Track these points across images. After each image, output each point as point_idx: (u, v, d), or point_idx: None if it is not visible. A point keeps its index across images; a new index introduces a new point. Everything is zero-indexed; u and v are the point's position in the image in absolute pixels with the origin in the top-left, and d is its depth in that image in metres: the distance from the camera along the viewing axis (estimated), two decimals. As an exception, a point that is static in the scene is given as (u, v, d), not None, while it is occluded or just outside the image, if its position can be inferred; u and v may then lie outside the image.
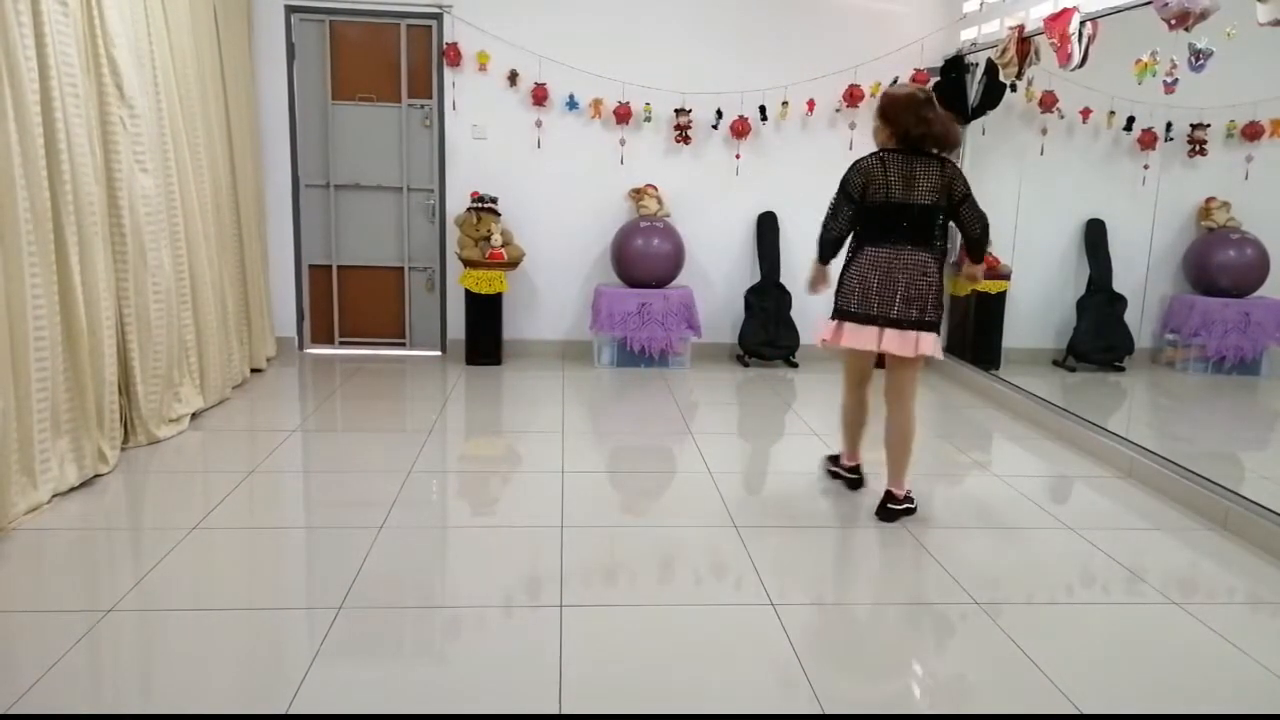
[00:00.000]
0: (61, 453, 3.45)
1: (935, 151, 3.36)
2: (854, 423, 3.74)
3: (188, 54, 4.58)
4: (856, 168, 3.39)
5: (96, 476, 3.63)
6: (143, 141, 3.99)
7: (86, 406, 3.57)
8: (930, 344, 3.33)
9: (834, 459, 3.92)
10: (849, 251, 3.49)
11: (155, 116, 4.20)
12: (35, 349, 3.26)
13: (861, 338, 3.37)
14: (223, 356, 4.91)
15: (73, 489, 3.48)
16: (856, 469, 3.80)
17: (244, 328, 5.39)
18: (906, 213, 3.32)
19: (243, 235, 5.38)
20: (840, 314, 3.43)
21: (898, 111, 3.36)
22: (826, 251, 3.55)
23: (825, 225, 3.50)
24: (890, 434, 3.52)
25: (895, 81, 6.05)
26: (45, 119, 3.34)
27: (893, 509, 3.45)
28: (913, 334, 3.32)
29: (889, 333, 3.33)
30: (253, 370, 5.49)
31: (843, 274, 3.47)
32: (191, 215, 4.53)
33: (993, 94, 5.49)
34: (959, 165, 3.44)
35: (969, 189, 3.41)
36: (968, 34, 5.85)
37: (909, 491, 3.49)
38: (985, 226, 3.47)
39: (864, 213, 3.38)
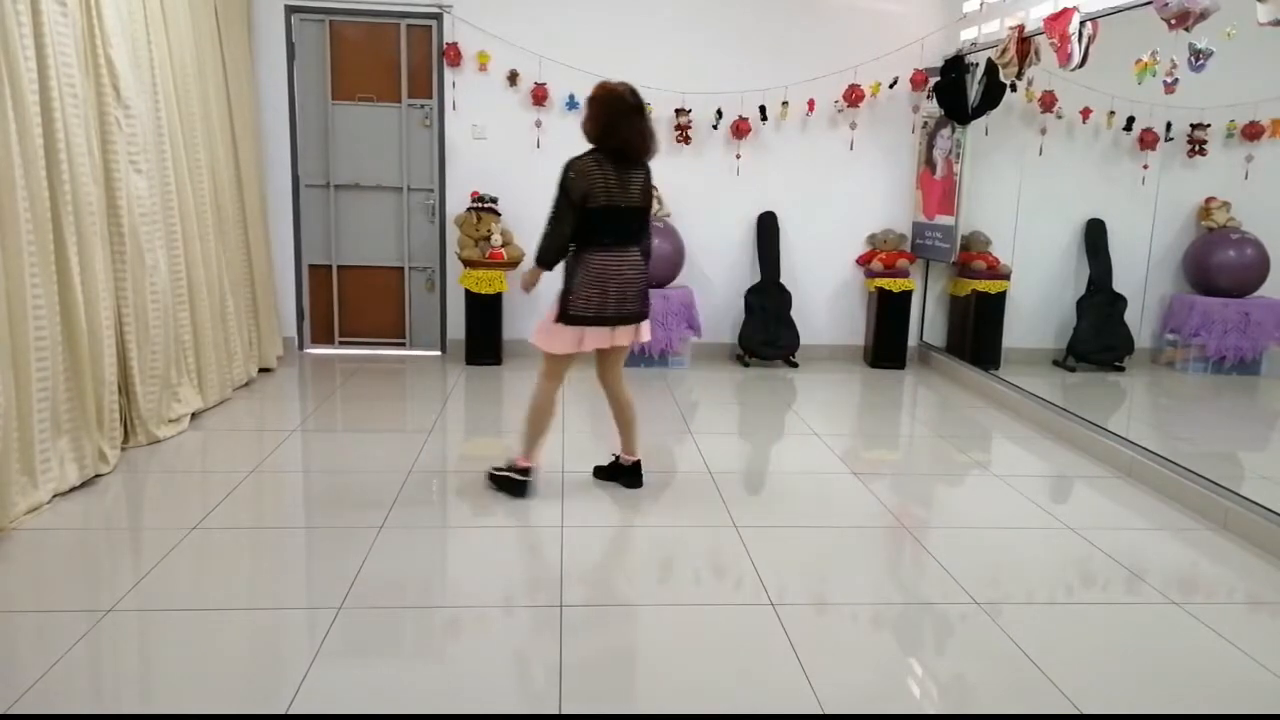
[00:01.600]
0: (62, 453, 3.45)
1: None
2: (548, 425, 3.64)
3: (187, 54, 4.58)
4: (576, 170, 3.33)
5: (97, 476, 3.63)
6: (137, 142, 3.99)
7: (86, 406, 3.57)
8: (648, 330, 3.58)
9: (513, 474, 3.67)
10: (573, 256, 3.44)
11: (154, 117, 4.20)
12: (36, 349, 3.26)
13: (601, 339, 3.46)
14: (223, 357, 4.91)
15: (73, 489, 3.48)
16: (530, 471, 3.64)
17: (250, 328, 5.39)
18: (626, 215, 3.40)
19: (248, 236, 5.38)
20: (579, 319, 3.38)
21: (617, 119, 3.34)
22: (553, 257, 3.46)
23: (552, 231, 3.39)
24: (624, 410, 3.68)
25: (895, 82, 6.06)
26: (44, 120, 3.34)
27: (643, 476, 3.72)
28: (634, 326, 3.51)
29: (620, 329, 3.47)
30: (262, 370, 5.50)
31: (573, 280, 3.39)
32: (189, 215, 4.53)
33: (993, 94, 5.49)
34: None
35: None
36: (968, 34, 5.86)
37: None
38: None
39: (586, 216, 3.35)
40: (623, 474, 3.75)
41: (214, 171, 4.90)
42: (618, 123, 3.33)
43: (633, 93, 3.36)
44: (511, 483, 3.61)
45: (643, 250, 3.51)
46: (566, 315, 3.39)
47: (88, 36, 3.68)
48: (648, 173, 3.47)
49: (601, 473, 3.82)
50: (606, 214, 3.34)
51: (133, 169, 3.97)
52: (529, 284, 3.57)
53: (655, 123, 5.88)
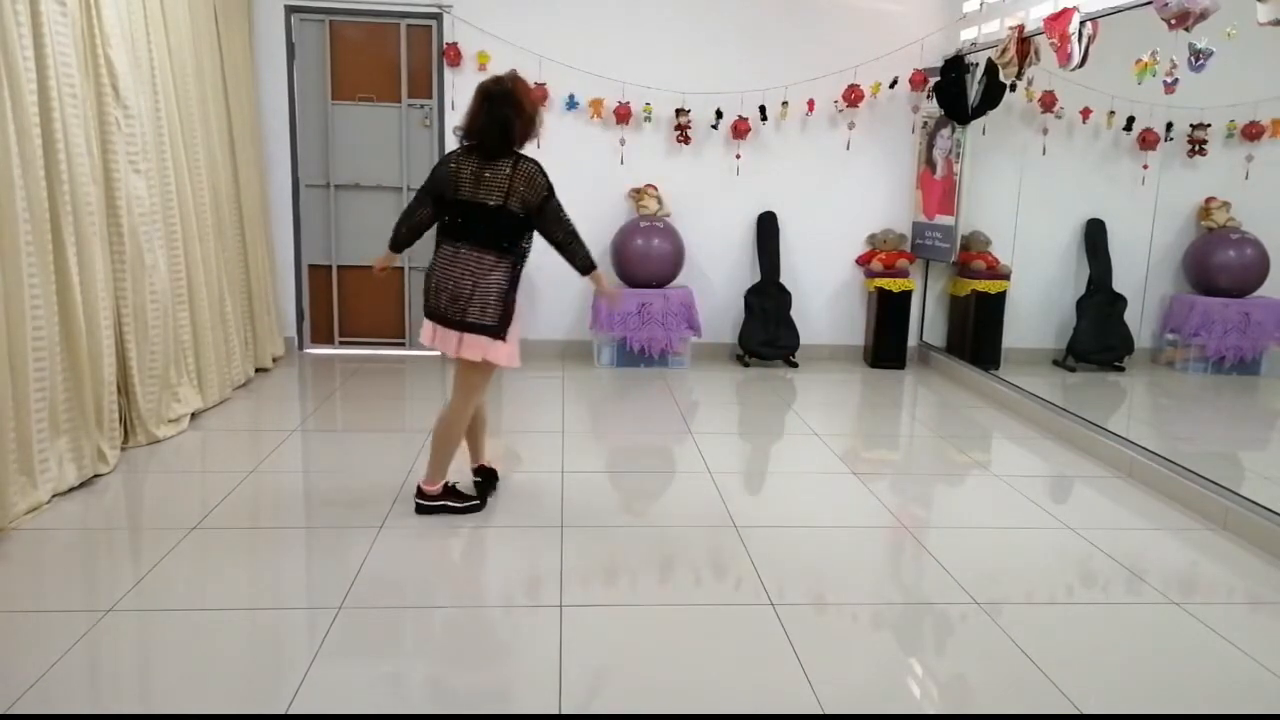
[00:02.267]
0: (60, 453, 3.45)
1: (512, 149, 3.17)
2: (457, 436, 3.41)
3: (186, 54, 4.58)
4: (438, 162, 3.28)
5: (96, 476, 3.63)
6: (137, 142, 3.99)
7: (85, 406, 3.57)
8: (480, 349, 3.17)
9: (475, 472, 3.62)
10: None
11: (153, 117, 4.20)
12: (34, 349, 3.26)
13: (426, 334, 3.27)
14: (222, 357, 4.91)
15: (73, 489, 3.48)
16: (479, 470, 3.61)
17: (248, 328, 5.39)
18: (476, 211, 3.14)
19: (245, 236, 5.38)
20: (426, 312, 3.27)
21: (472, 105, 3.15)
22: (392, 237, 3.40)
23: (405, 210, 3.36)
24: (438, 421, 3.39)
25: (894, 82, 6.06)
26: (43, 120, 3.34)
27: (419, 503, 3.38)
28: (455, 334, 3.18)
29: (441, 331, 3.21)
30: (258, 370, 5.50)
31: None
32: (188, 215, 4.53)
33: (993, 94, 5.49)
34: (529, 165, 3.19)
35: (546, 195, 3.18)
36: (968, 34, 5.85)
37: (445, 486, 3.40)
38: (570, 233, 3.27)
39: (437, 209, 3.24)
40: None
41: (212, 172, 4.90)
42: (472, 113, 3.15)
43: (496, 80, 3.15)
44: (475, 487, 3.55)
45: (507, 252, 3.17)
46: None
47: (87, 37, 3.68)
48: (513, 171, 3.12)
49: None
50: (453, 206, 3.17)
51: (132, 169, 3.97)
52: (376, 265, 3.50)
53: (655, 122, 5.98)
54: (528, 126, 3.18)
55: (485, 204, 3.13)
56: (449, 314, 3.17)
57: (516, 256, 3.22)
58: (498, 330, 3.17)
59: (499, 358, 3.21)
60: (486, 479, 3.63)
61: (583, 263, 3.33)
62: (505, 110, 3.10)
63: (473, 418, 3.44)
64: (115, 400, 3.81)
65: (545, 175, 3.21)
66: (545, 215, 3.20)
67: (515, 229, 3.18)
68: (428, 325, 3.27)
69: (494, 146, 3.13)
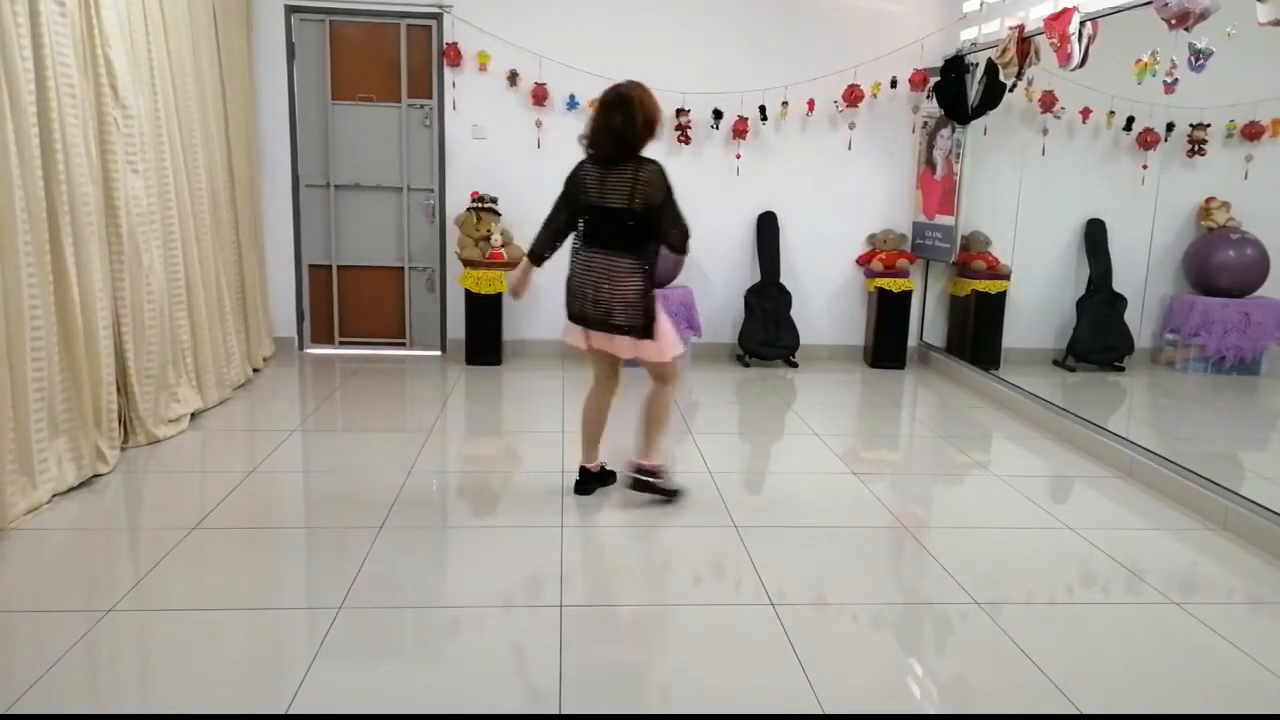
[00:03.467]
0: (59, 453, 3.45)
1: (633, 153, 3.26)
2: (589, 421, 3.61)
3: (185, 54, 4.58)
4: (570, 172, 3.40)
5: (96, 476, 3.63)
6: (135, 143, 3.98)
7: (83, 406, 3.57)
8: (631, 348, 3.32)
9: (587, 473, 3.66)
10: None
11: (152, 117, 4.20)
12: (32, 349, 3.26)
13: (581, 339, 3.43)
14: (221, 357, 4.91)
15: (73, 489, 3.48)
16: (582, 470, 3.64)
17: (242, 328, 5.38)
18: (606, 217, 3.28)
19: (239, 236, 5.38)
20: (569, 314, 3.43)
21: (593, 116, 3.34)
22: (534, 249, 3.46)
23: (544, 222, 3.46)
24: (644, 417, 3.55)
25: (895, 82, 6.05)
26: (42, 120, 3.34)
27: (638, 478, 3.53)
28: (613, 336, 3.33)
29: (597, 334, 3.37)
30: (252, 370, 5.49)
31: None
32: (186, 215, 4.53)
33: (993, 94, 5.49)
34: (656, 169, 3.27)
35: (666, 194, 3.26)
36: (968, 34, 5.85)
37: (659, 465, 3.55)
38: (683, 234, 3.34)
39: (572, 216, 3.38)
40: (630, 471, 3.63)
41: (211, 172, 4.90)
42: (594, 121, 3.32)
43: (614, 89, 3.28)
44: (577, 483, 3.64)
45: (638, 254, 3.28)
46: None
47: (87, 37, 3.68)
48: (636, 174, 3.23)
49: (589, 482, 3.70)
50: (586, 213, 3.33)
51: (130, 169, 3.96)
52: (513, 281, 3.55)
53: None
54: (646, 131, 3.26)
55: (612, 207, 3.26)
56: (595, 317, 3.33)
57: (648, 258, 3.31)
58: (644, 330, 3.29)
59: (649, 355, 3.34)
60: (602, 479, 3.69)
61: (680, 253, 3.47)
62: (622, 117, 3.21)
63: (598, 414, 3.59)
64: (114, 400, 3.81)
65: (665, 176, 3.28)
66: (663, 214, 3.27)
67: (642, 231, 3.27)
68: (575, 328, 3.42)
69: (614, 153, 3.26)
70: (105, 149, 3.82)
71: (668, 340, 3.37)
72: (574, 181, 3.37)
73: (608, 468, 3.70)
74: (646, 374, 3.52)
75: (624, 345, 3.35)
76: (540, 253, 3.45)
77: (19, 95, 3.16)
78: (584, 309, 3.35)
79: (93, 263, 3.63)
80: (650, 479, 3.53)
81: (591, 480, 3.64)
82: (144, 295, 4.06)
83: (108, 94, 3.80)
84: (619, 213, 3.26)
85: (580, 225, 3.37)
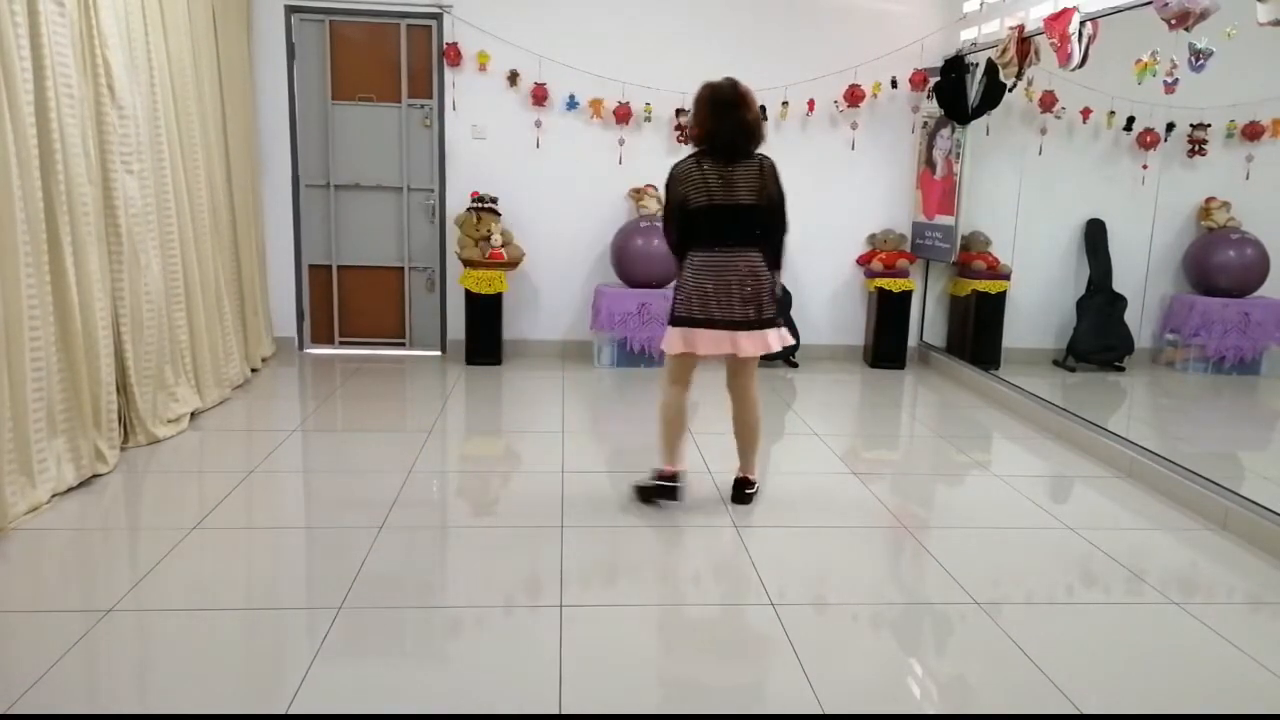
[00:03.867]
0: (58, 453, 3.44)
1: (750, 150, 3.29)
2: (679, 425, 3.55)
3: (185, 55, 4.58)
4: (674, 173, 3.34)
5: (96, 476, 3.63)
6: (130, 143, 3.97)
7: (82, 406, 3.57)
8: (771, 341, 3.35)
9: (661, 481, 3.52)
10: (679, 257, 3.43)
11: (150, 118, 4.20)
12: (31, 349, 3.25)
13: (706, 343, 3.33)
14: (220, 357, 4.91)
15: (73, 489, 3.48)
16: (677, 476, 3.52)
17: (240, 328, 5.38)
18: (731, 215, 3.26)
19: (238, 236, 5.38)
20: (680, 320, 3.35)
21: (706, 110, 3.27)
22: (677, 259, 3.46)
23: (664, 233, 3.47)
24: (744, 427, 3.57)
25: (895, 82, 6.06)
26: (40, 120, 3.33)
27: (749, 493, 3.57)
28: (759, 334, 3.33)
29: (732, 335, 3.30)
30: (250, 370, 5.48)
31: (682, 281, 3.38)
32: (184, 215, 4.53)
33: (993, 94, 5.49)
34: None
35: (782, 190, 3.35)
36: (968, 34, 5.86)
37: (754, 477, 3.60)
38: (786, 229, 3.42)
39: (687, 217, 3.31)
40: (734, 488, 3.63)
41: (209, 172, 4.89)
42: (709, 118, 3.26)
43: (726, 86, 3.27)
44: (661, 489, 3.49)
45: (765, 249, 3.34)
46: (673, 315, 3.38)
47: (86, 38, 3.68)
48: (761, 169, 3.29)
49: (664, 489, 3.56)
50: (708, 213, 3.26)
51: (124, 169, 3.95)
52: None
53: (655, 122, 5.98)
54: (761, 126, 3.34)
55: (742, 204, 3.26)
56: (745, 317, 3.28)
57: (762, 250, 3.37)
58: (776, 319, 3.36)
59: (773, 344, 3.36)
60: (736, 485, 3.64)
61: (775, 260, 3.44)
62: (746, 113, 3.26)
63: (744, 424, 3.58)
64: (114, 400, 3.81)
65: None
66: (779, 210, 3.35)
67: (761, 225, 3.33)
68: (704, 334, 3.30)
69: (742, 148, 3.27)
70: (105, 150, 3.82)
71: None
72: (686, 181, 3.28)
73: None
74: (733, 380, 3.53)
75: (758, 341, 3.32)
76: (681, 260, 3.41)
77: (16, 96, 3.16)
78: (727, 312, 3.27)
79: (91, 263, 3.63)
80: (753, 490, 3.58)
81: (677, 482, 3.51)
82: (142, 295, 4.06)
83: (106, 95, 3.80)
84: (749, 209, 3.27)
85: (700, 226, 3.29)
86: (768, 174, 3.31)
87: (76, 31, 3.58)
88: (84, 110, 3.62)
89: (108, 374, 3.75)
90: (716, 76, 3.40)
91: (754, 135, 3.29)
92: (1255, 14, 3.37)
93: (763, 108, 5.96)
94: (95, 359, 3.67)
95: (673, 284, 6.14)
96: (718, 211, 3.26)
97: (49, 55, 3.35)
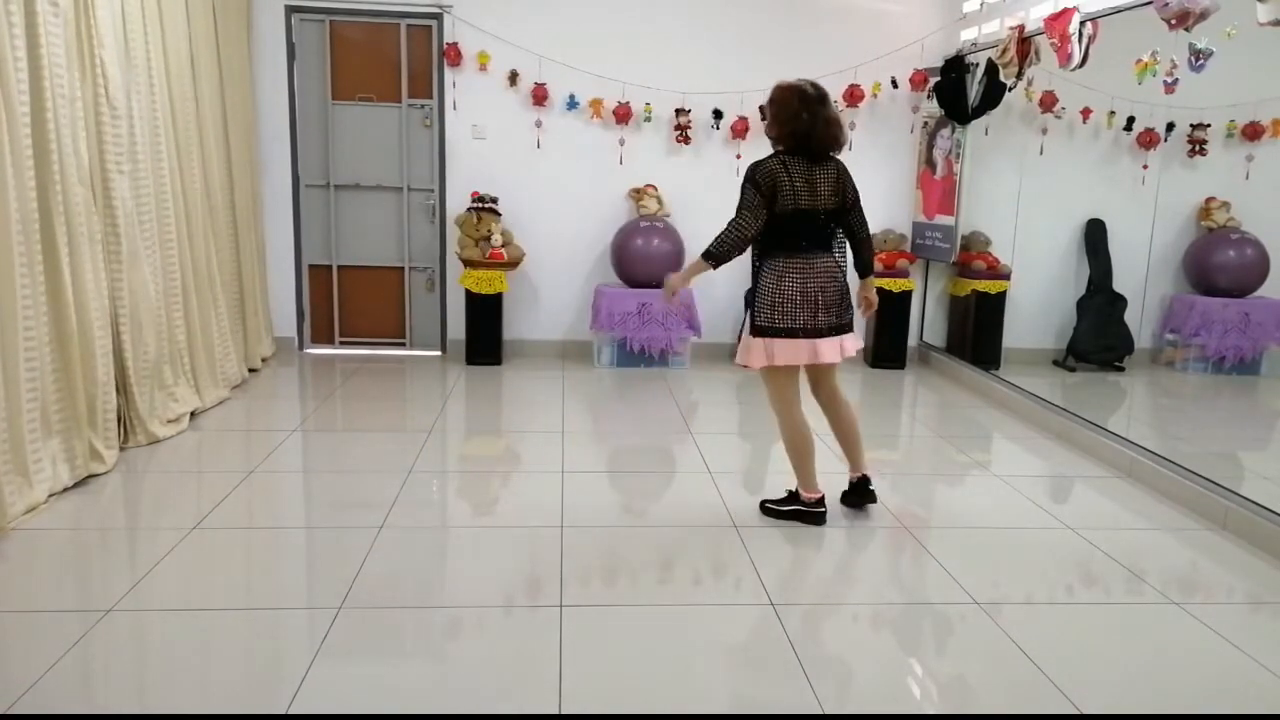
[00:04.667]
0: (54, 452, 3.44)
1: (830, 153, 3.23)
2: (810, 442, 3.39)
3: (183, 55, 4.57)
4: (764, 170, 3.17)
5: (94, 476, 3.62)
6: (123, 143, 3.96)
7: (77, 406, 3.56)
8: (854, 341, 3.33)
9: (792, 500, 3.45)
10: (755, 263, 3.30)
11: (149, 117, 4.19)
12: (25, 349, 3.25)
13: (794, 353, 3.21)
14: (219, 357, 4.91)
15: (73, 488, 3.48)
16: (823, 500, 3.40)
17: (239, 328, 5.38)
18: (814, 218, 3.19)
19: (238, 235, 5.38)
20: (765, 331, 3.21)
21: (790, 111, 3.17)
22: (727, 252, 3.19)
23: (738, 226, 3.16)
24: (846, 428, 3.48)
25: (895, 82, 6.05)
26: (36, 120, 3.33)
27: (873, 489, 3.50)
28: (838, 340, 3.27)
29: (819, 343, 3.21)
30: (249, 370, 5.48)
31: (759, 290, 3.24)
32: (181, 216, 4.53)
33: (993, 94, 5.49)
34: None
35: (858, 191, 3.31)
36: (968, 34, 5.85)
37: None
38: (869, 229, 3.39)
39: (770, 221, 3.17)
40: (852, 493, 3.52)
41: (207, 172, 4.89)
42: (797, 116, 3.14)
43: (809, 84, 3.18)
44: (809, 514, 3.38)
45: (853, 250, 3.33)
46: (755, 327, 3.25)
47: (84, 38, 3.68)
48: (838, 170, 3.22)
49: (846, 498, 3.53)
50: (793, 217, 3.15)
51: (116, 170, 3.94)
52: (676, 287, 3.34)
53: (655, 122, 5.98)
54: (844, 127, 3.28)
55: (826, 208, 3.20)
56: (830, 324, 3.22)
57: (843, 255, 3.36)
58: (852, 323, 3.33)
59: (853, 348, 3.32)
60: (861, 489, 3.54)
61: (869, 262, 3.41)
62: (833, 112, 3.19)
63: (843, 424, 3.50)
64: (112, 400, 3.80)
65: None
66: (858, 211, 3.30)
67: (844, 227, 3.30)
68: (801, 344, 3.19)
69: (831, 148, 3.20)
70: (103, 150, 3.81)
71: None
72: (773, 181, 3.12)
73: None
74: (820, 387, 3.45)
75: (839, 347, 3.26)
76: (727, 258, 3.18)
77: (10, 96, 3.15)
78: (814, 319, 3.18)
79: (87, 263, 3.62)
80: (871, 487, 3.51)
81: (823, 507, 3.40)
82: (141, 295, 4.05)
83: (103, 96, 3.80)
84: (831, 213, 3.22)
85: (784, 230, 3.17)
86: (845, 176, 3.25)
87: (72, 31, 3.58)
88: (78, 110, 3.60)
89: (104, 374, 3.74)
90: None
91: (842, 135, 3.23)
92: (1255, 14, 3.37)
93: (762, 108, 5.99)
94: (90, 359, 3.66)
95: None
96: (803, 215, 3.17)
97: (45, 55, 3.35)
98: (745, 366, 3.35)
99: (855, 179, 3.36)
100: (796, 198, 3.15)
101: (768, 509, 3.47)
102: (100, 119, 3.79)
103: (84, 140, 3.68)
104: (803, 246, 3.21)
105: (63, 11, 3.48)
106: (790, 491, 3.47)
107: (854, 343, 3.32)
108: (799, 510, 3.41)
